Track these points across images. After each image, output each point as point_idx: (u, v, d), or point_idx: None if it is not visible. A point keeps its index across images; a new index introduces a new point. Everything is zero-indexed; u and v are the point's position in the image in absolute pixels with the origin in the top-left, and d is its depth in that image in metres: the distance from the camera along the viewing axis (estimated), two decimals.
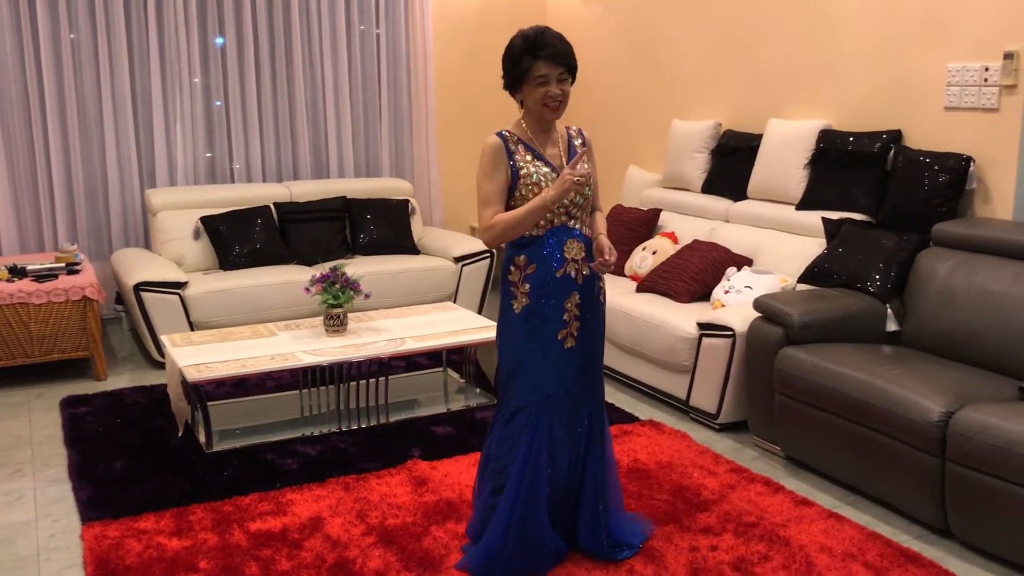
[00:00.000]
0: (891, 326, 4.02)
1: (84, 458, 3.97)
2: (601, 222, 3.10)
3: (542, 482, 2.93)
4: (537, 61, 2.84)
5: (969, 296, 3.74)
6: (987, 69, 4.12)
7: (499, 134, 2.96)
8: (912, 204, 4.25)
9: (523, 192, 2.91)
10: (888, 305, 4.04)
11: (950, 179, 4.14)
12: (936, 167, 4.19)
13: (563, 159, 2.97)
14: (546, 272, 2.92)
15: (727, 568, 3.03)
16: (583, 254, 2.96)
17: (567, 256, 2.94)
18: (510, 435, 2.95)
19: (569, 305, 2.95)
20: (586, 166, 2.93)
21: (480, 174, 2.95)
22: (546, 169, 2.93)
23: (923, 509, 3.29)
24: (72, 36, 5.92)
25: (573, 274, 2.95)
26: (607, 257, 2.92)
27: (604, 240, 2.98)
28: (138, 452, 4.03)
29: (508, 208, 2.95)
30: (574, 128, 3.10)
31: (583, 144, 3.05)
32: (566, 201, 2.91)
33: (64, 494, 3.68)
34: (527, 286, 2.93)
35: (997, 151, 4.12)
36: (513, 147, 2.93)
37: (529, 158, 2.93)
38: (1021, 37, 3.99)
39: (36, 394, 4.89)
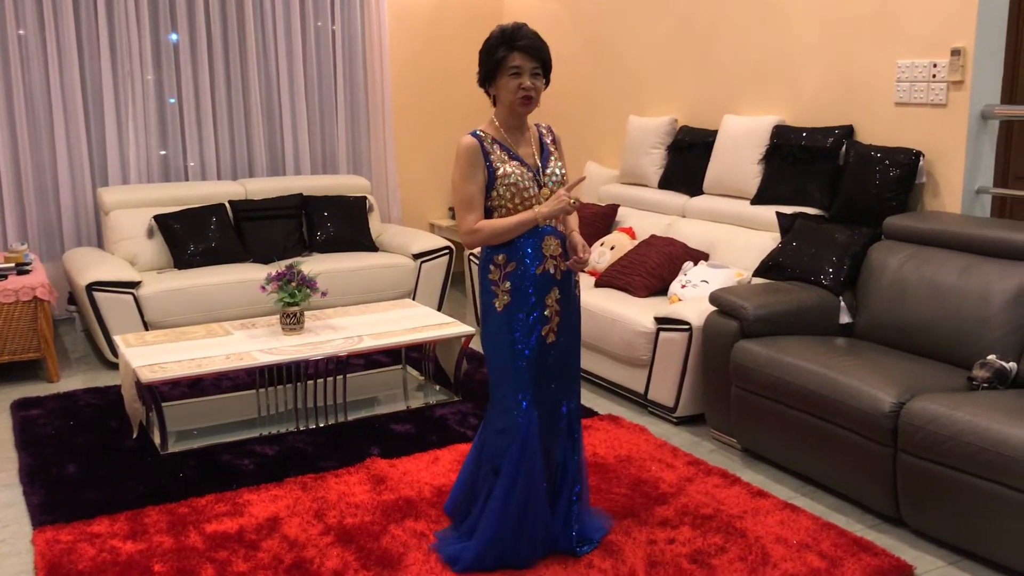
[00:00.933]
0: (844, 318, 4.08)
1: (36, 461, 3.90)
2: (574, 218, 3.13)
3: (539, 474, 2.97)
4: (513, 52, 2.89)
5: (920, 288, 3.80)
6: (935, 65, 4.19)
7: (474, 134, 2.97)
8: (864, 198, 4.31)
9: (501, 192, 2.94)
10: (841, 298, 4.10)
11: (901, 173, 4.21)
12: (887, 161, 4.25)
13: (536, 158, 3.01)
14: (526, 269, 2.96)
15: (684, 560, 3.06)
16: (560, 250, 3.00)
17: (545, 253, 2.97)
18: (504, 429, 2.98)
19: (550, 301, 3.00)
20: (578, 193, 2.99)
21: (458, 176, 2.96)
22: (522, 168, 2.95)
23: (876, 499, 3.35)
24: (20, 32, 5.80)
25: (552, 270, 2.99)
26: (580, 255, 2.97)
27: (577, 237, 3.02)
28: (92, 454, 3.97)
29: (486, 205, 2.98)
30: (544, 125, 3.14)
31: (553, 141, 3.10)
32: (542, 199, 2.96)
33: (15, 498, 3.61)
34: (508, 284, 2.97)
35: (946, 145, 4.19)
36: (488, 147, 2.96)
37: (505, 157, 2.96)
38: (968, 34, 4.06)
39: None
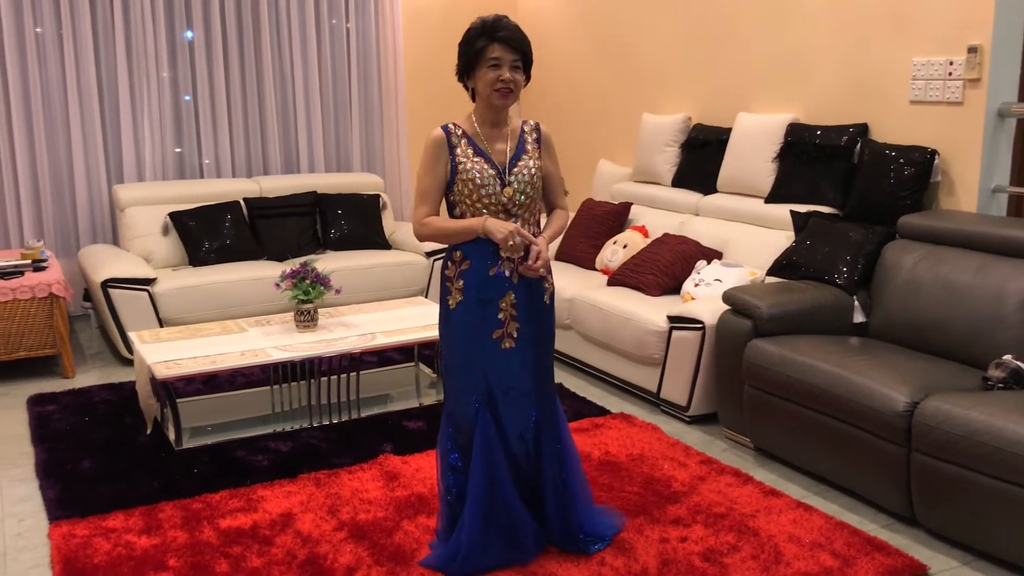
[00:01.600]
0: (858, 318, 4.06)
1: (51, 456, 3.93)
2: (558, 220, 3.07)
3: (502, 473, 2.92)
4: (492, 43, 2.83)
5: (934, 287, 3.79)
6: (951, 63, 4.17)
7: (444, 127, 2.93)
8: (878, 197, 4.29)
9: (459, 187, 2.89)
10: (855, 297, 4.09)
11: (915, 172, 4.19)
12: (902, 160, 4.23)
13: (508, 155, 2.93)
14: (480, 269, 2.89)
15: (697, 559, 3.05)
16: (521, 253, 2.89)
17: (502, 254, 2.89)
18: (458, 434, 2.95)
19: (504, 305, 2.91)
20: (535, 248, 2.86)
21: (420, 166, 2.94)
22: (485, 165, 2.89)
23: (890, 498, 3.33)
24: (38, 30, 5.84)
25: (507, 273, 2.91)
26: (530, 261, 2.85)
27: (539, 242, 2.88)
28: (106, 450, 3.99)
29: (446, 200, 2.95)
30: (531, 123, 3.05)
31: (537, 140, 3.01)
32: (504, 199, 2.88)
33: (31, 493, 3.64)
34: (461, 282, 2.91)
35: (961, 144, 4.17)
36: (456, 140, 2.91)
37: (471, 152, 2.90)
38: (985, 31, 4.04)
39: (2, 393, 4.83)
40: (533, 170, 2.95)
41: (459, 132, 2.93)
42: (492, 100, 2.87)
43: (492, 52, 2.83)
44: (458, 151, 2.90)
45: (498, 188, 2.89)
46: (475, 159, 2.89)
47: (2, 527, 3.37)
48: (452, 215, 2.97)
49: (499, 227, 2.82)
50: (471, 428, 2.92)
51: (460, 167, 2.88)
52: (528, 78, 2.93)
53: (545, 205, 3.15)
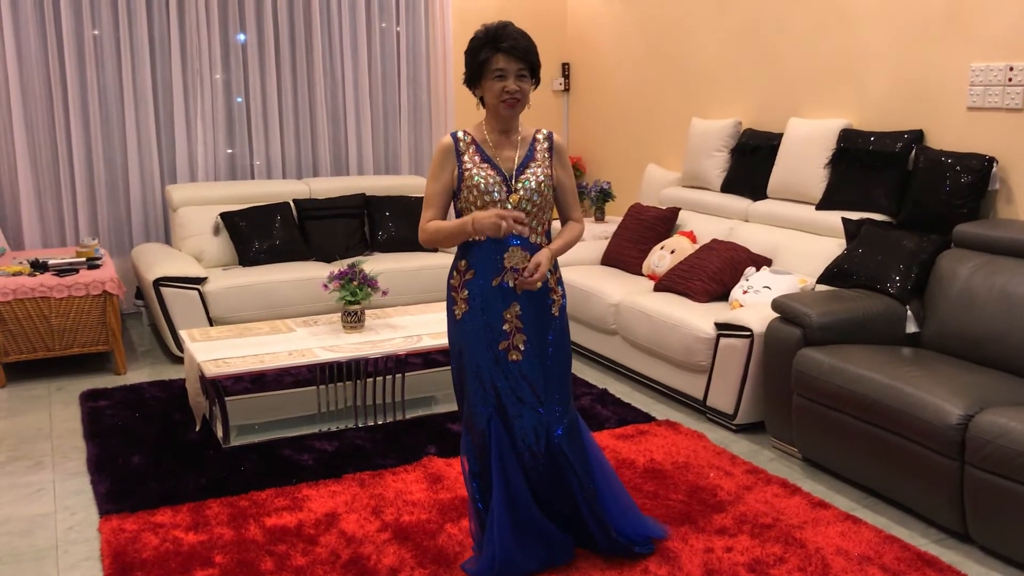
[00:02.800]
0: (911, 328, 3.99)
1: (103, 451, 4.00)
2: (570, 231, 3.00)
3: (520, 482, 2.90)
4: (497, 54, 2.79)
5: (990, 298, 3.70)
6: (1011, 68, 4.08)
7: (453, 134, 2.92)
8: (933, 205, 4.21)
9: (465, 194, 2.87)
10: (908, 307, 4.01)
11: (972, 180, 4.10)
12: (958, 167, 4.15)
13: (515, 162, 2.89)
14: (484, 279, 2.87)
15: (742, 570, 3.01)
16: (525, 263, 2.85)
17: (507, 265, 2.86)
18: (474, 446, 2.93)
19: (509, 316, 2.88)
20: (524, 227, 2.80)
21: (428, 173, 2.93)
22: (491, 172, 2.86)
23: (941, 513, 3.26)
24: (95, 32, 5.96)
25: (510, 283, 2.87)
26: (526, 274, 2.80)
27: (540, 254, 2.84)
28: (156, 446, 4.06)
29: (454, 207, 2.94)
30: (544, 131, 3.00)
31: (549, 149, 2.96)
32: (510, 206, 2.84)
33: (83, 487, 3.71)
34: (466, 292, 2.89)
35: (1021, 152, 4.08)
36: (464, 147, 2.89)
37: (478, 159, 2.87)
38: None
39: (56, 387, 4.93)
40: (541, 178, 2.90)
41: (467, 139, 2.91)
42: (499, 111, 2.85)
43: (497, 63, 2.80)
44: (465, 158, 2.88)
45: (504, 195, 2.86)
46: (482, 166, 2.87)
47: (55, 520, 3.44)
48: None
49: (483, 216, 2.75)
50: (485, 437, 2.90)
51: (466, 173, 2.86)
52: (537, 81, 2.88)
53: (560, 218, 3.10)
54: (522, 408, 2.91)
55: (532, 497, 2.94)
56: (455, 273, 2.93)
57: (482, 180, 2.85)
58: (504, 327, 2.89)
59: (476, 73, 2.86)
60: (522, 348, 2.90)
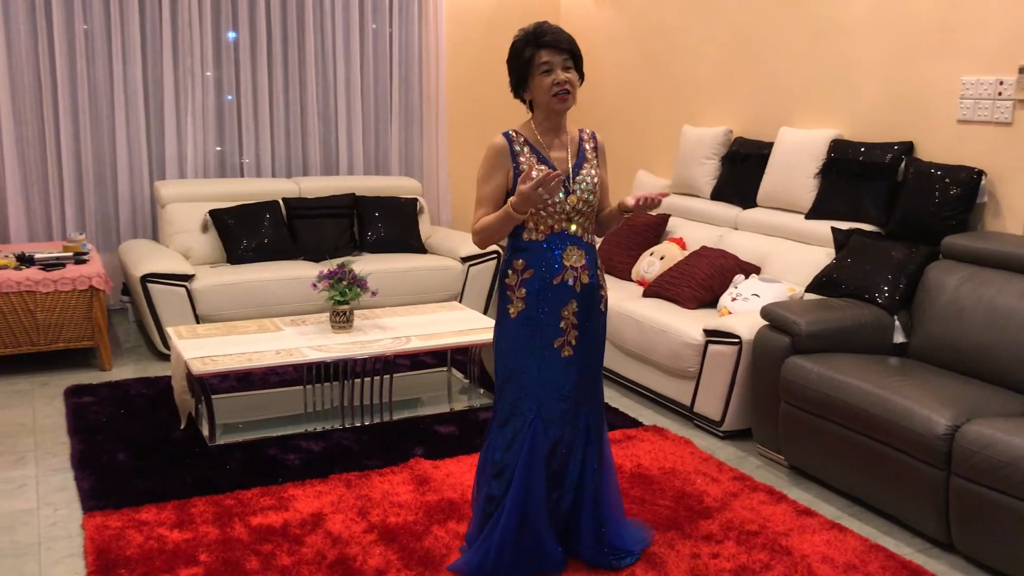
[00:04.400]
0: (899, 338, 4.01)
1: (87, 448, 3.97)
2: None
3: (540, 488, 2.90)
4: (540, 49, 2.81)
5: (978, 310, 3.73)
6: (1001, 83, 4.11)
7: (506, 134, 2.91)
8: (922, 216, 4.23)
9: None
10: (896, 317, 4.03)
11: (961, 192, 4.13)
12: (947, 180, 4.17)
13: (568, 163, 2.91)
14: (543, 278, 2.88)
15: None
16: (583, 262, 2.90)
17: (566, 263, 2.89)
18: (505, 440, 2.92)
19: (566, 313, 2.91)
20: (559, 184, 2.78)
21: (480, 173, 2.91)
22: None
23: (927, 522, 3.28)
24: (85, 27, 5.93)
25: (571, 282, 2.90)
26: (647, 201, 2.76)
27: (629, 199, 2.81)
28: (141, 443, 4.03)
29: None
30: (587, 131, 3.04)
31: (595, 148, 3.00)
32: (568, 207, 2.86)
33: (66, 483, 3.68)
34: (524, 291, 2.89)
35: (1010, 165, 4.11)
36: (519, 148, 2.88)
37: (534, 161, 2.87)
38: None
39: (41, 383, 4.89)
40: (595, 178, 2.94)
41: (521, 140, 2.90)
42: (552, 106, 2.84)
43: (541, 58, 2.81)
44: (521, 159, 2.87)
45: (563, 196, 2.87)
46: (539, 167, 2.86)
47: (38, 516, 3.41)
48: (518, 224, 2.91)
49: (523, 193, 2.69)
50: (522, 435, 2.89)
51: (525, 175, 2.84)
52: (582, 76, 2.90)
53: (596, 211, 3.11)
54: (566, 406, 2.94)
55: (547, 507, 2.94)
56: (510, 272, 2.92)
57: None
58: (561, 324, 2.90)
59: (523, 74, 2.86)
60: (574, 344, 2.93)
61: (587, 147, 2.98)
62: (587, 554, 3.05)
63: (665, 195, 2.83)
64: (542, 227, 2.88)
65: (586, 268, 2.92)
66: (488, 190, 2.89)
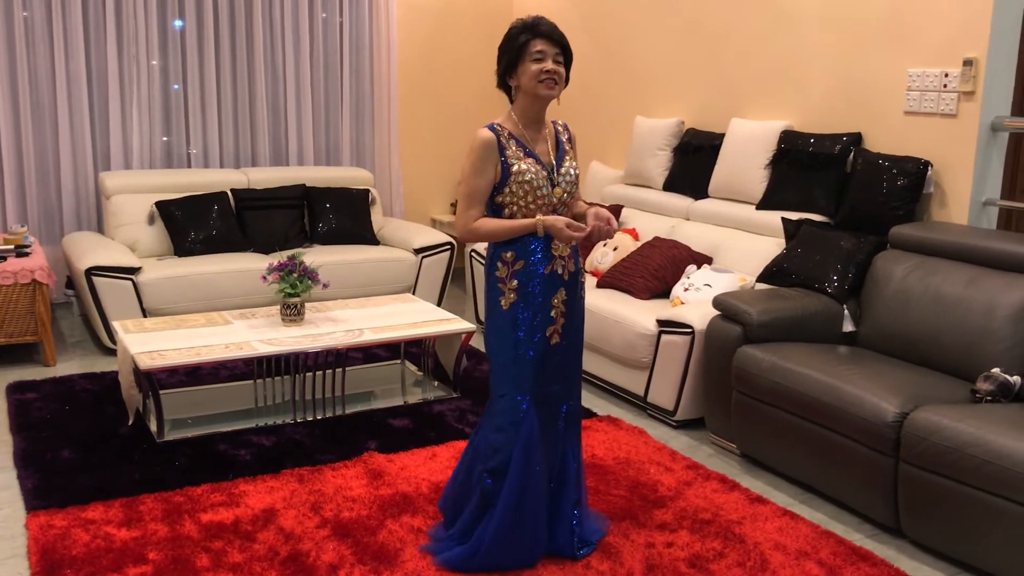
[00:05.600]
0: (848, 327, 4.06)
1: (30, 445, 3.87)
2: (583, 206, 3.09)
3: (538, 479, 2.92)
4: (536, 37, 2.87)
5: (924, 299, 3.79)
6: (947, 75, 4.18)
7: (491, 127, 2.90)
8: (870, 206, 4.29)
9: (514, 189, 2.88)
10: (845, 306, 4.08)
11: (908, 183, 4.19)
12: (895, 170, 4.23)
13: (551, 156, 2.95)
14: (534, 269, 2.91)
15: (683, 565, 3.04)
16: (569, 251, 2.97)
17: (554, 253, 2.93)
18: (501, 427, 2.93)
19: (556, 302, 2.96)
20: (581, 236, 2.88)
21: (468, 168, 2.90)
22: (537, 166, 2.89)
23: (876, 508, 3.33)
24: (25, 14, 5.76)
25: (560, 271, 2.95)
26: (604, 225, 2.86)
27: (599, 209, 2.91)
28: (87, 440, 3.94)
29: (493, 201, 2.93)
30: (560, 123, 3.08)
31: (569, 140, 3.04)
32: (555, 199, 2.92)
33: (9, 482, 3.58)
34: (515, 282, 2.92)
35: (954, 156, 4.18)
36: (505, 142, 2.89)
37: (521, 154, 2.89)
38: (981, 44, 4.05)
39: None
40: (576, 170, 3.01)
41: (505, 133, 2.91)
42: (539, 92, 2.87)
43: (536, 46, 2.86)
44: (508, 152, 2.88)
45: (549, 188, 2.92)
46: (527, 160, 2.89)
47: None
48: (499, 216, 2.94)
49: (560, 227, 2.83)
50: (516, 428, 2.90)
51: (513, 168, 2.87)
52: (567, 77, 2.95)
53: None
54: (556, 389, 3.00)
55: (544, 496, 2.96)
56: (500, 265, 2.93)
57: (533, 176, 2.88)
58: (552, 313, 2.95)
59: (514, 59, 2.89)
60: (560, 331, 2.98)
61: (564, 139, 3.04)
62: (559, 542, 3.05)
63: (614, 230, 2.90)
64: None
65: (572, 256, 2.99)
66: (480, 185, 2.90)
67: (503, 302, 2.94)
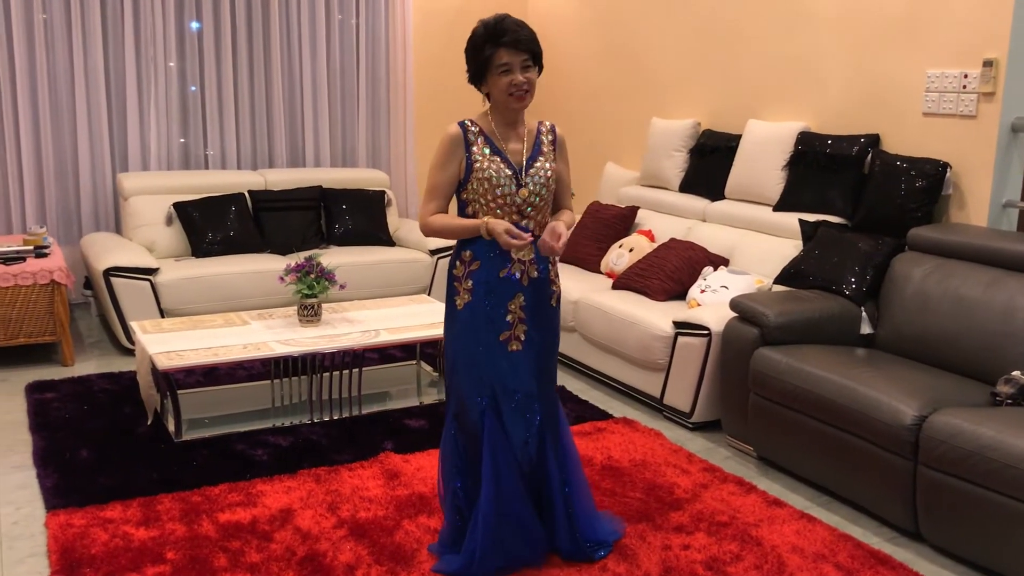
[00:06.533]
0: (865, 329, 4.04)
1: (50, 444, 3.90)
2: (568, 216, 3.01)
3: (510, 478, 2.89)
4: (499, 48, 2.77)
5: (943, 301, 3.76)
6: (966, 76, 4.15)
7: (461, 124, 2.89)
8: (888, 208, 4.27)
9: (475, 186, 2.85)
10: (863, 308, 4.06)
11: (926, 184, 4.17)
12: (913, 172, 4.21)
13: (524, 156, 2.89)
14: (490, 271, 2.86)
15: (699, 567, 3.03)
16: (532, 255, 2.89)
17: (514, 256, 2.87)
18: (460, 434, 2.91)
19: (513, 307, 2.88)
20: (525, 248, 2.83)
21: (433, 162, 2.90)
22: (501, 165, 2.85)
23: (894, 511, 3.31)
24: (44, 16, 5.81)
25: (518, 275, 2.88)
26: (550, 241, 2.77)
27: (557, 223, 2.82)
28: (105, 440, 3.96)
29: (459, 197, 2.91)
30: (547, 124, 3.01)
31: (553, 142, 2.97)
32: (519, 200, 2.85)
33: (28, 481, 3.61)
34: (470, 283, 2.87)
35: (974, 158, 4.15)
36: (473, 138, 2.86)
37: (488, 152, 2.85)
38: (1001, 45, 4.02)
39: (1, 379, 4.79)
40: (549, 172, 2.91)
41: (475, 129, 2.88)
42: (510, 105, 2.83)
43: (500, 58, 2.78)
44: (474, 149, 2.85)
45: (514, 189, 2.85)
46: (492, 158, 2.85)
47: None
48: (463, 214, 2.92)
49: (496, 227, 2.77)
50: (477, 430, 2.89)
51: (476, 165, 2.84)
52: (540, 68, 2.87)
53: (552, 205, 3.08)
54: (516, 399, 2.91)
55: (521, 491, 2.92)
56: (458, 263, 2.90)
57: (493, 173, 2.83)
58: (508, 318, 2.88)
59: (480, 71, 2.84)
60: (522, 339, 2.91)
61: (544, 140, 2.96)
62: (563, 545, 3.03)
63: (558, 250, 2.80)
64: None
65: (535, 262, 2.90)
66: (441, 179, 2.88)
67: (458, 301, 2.90)
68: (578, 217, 5.99)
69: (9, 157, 5.83)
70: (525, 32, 2.81)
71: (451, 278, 2.94)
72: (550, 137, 2.98)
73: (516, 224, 2.86)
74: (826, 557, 3.11)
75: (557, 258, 2.94)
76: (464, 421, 2.92)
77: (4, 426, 4.16)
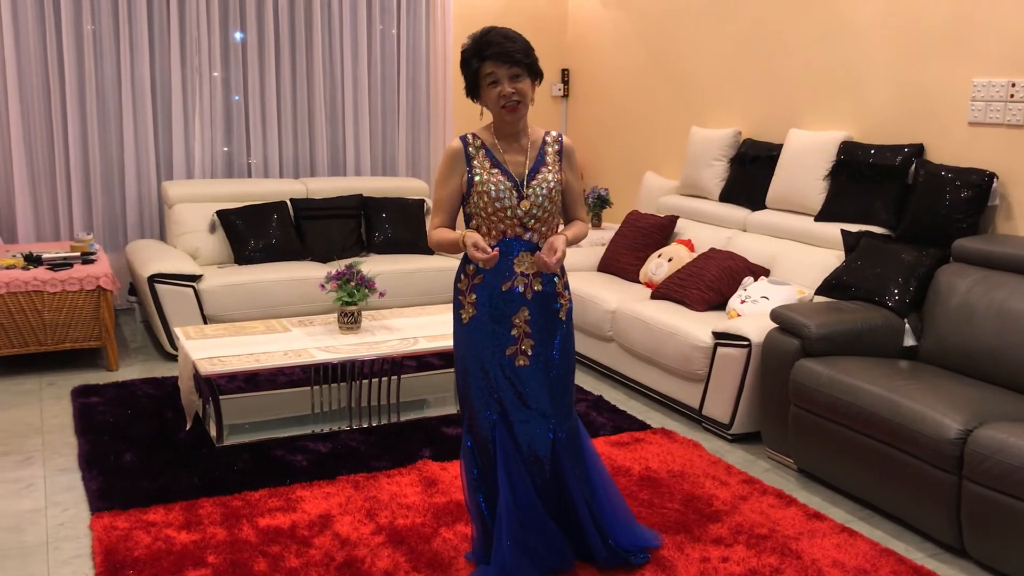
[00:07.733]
0: (909, 341, 3.99)
1: (94, 448, 3.97)
2: (576, 227, 2.98)
3: (526, 490, 2.87)
4: (484, 62, 2.76)
5: (989, 313, 3.70)
6: (1013, 85, 4.09)
7: (462, 138, 2.89)
8: (933, 219, 4.21)
9: (475, 200, 2.84)
10: (906, 320, 4.01)
11: (972, 195, 4.11)
12: (958, 182, 4.15)
13: (527, 167, 2.86)
14: (493, 284, 2.84)
15: None
16: (534, 268, 2.85)
17: (517, 270, 2.84)
18: (474, 445, 2.90)
19: (517, 321, 2.86)
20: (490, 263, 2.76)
21: (436, 177, 2.92)
22: (501, 178, 2.83)
23: (937, 527, 3.26)
24: (92, 27, 5.93)
25: (521, 288, 2.85)
26: (545, 256, 2.74)
27: (556, 238, 2.81)
28: (148, 444, 4.02)
29: (464, 211, 2.92)
30: (553, 134, 2.97)
31: (559, 152, 2.92)
32: (520, 212, 2.82)
33: (74, 483, 3.67)
34: (474, 296, 2.86)
35: (1021, 168, 4.08)
36: (474, 152, 2.86)
37: (488, 165, 2.84)
38: None
39: (48, 382, 4.89)
40: (552, 184, 2.87)
41: (477, 143, 2.88)
42: (503, 116, 2.82)
43: (486, 70, 2.77)
44: (475, 162, 2.84)
45: (515, 201, 2.82)
46: (492, 171, 2.83)
47: (45, 516, 3.40)
48: (468, 227, 2.91)
49: (468, 237, 2.72)
50: (489, 443, 2.87)
51: (476, 179, 2.83)
52: (539, 77, 2.84)
53: (564, 218, 3.06)
54: (527, 414, 2.89)
55: (538, 500, 2.90)
56: (462, 277, 2.90)
57: (493, 187, 2.81)
58: (512, 332, 2.86)
59: (473, 84, 2.85)
60: (530, 353, 2.88)
61: (549, 151, 2.92)
62: (598, 555, 3.02)
63: (551, 265, 2.76)
64: (494, 232, 2.85)
65: (539, 275, 2.87)
66: (444, 194, 2.89)
67: (463, 315, 2.89)
68: (617, 226, 5.99)
69: (58, 165, 5.95)
70: (510, 44, 2.76)
71: (456, 291, 2.93)
72: (556, 147, 2.94)
73: (519, 237, 2.84)
74: (868, 572, 3.07)
75: (558, 271, 2.89)
76: (476, 434, 2.90)
77: (52, 429, 4.25)
